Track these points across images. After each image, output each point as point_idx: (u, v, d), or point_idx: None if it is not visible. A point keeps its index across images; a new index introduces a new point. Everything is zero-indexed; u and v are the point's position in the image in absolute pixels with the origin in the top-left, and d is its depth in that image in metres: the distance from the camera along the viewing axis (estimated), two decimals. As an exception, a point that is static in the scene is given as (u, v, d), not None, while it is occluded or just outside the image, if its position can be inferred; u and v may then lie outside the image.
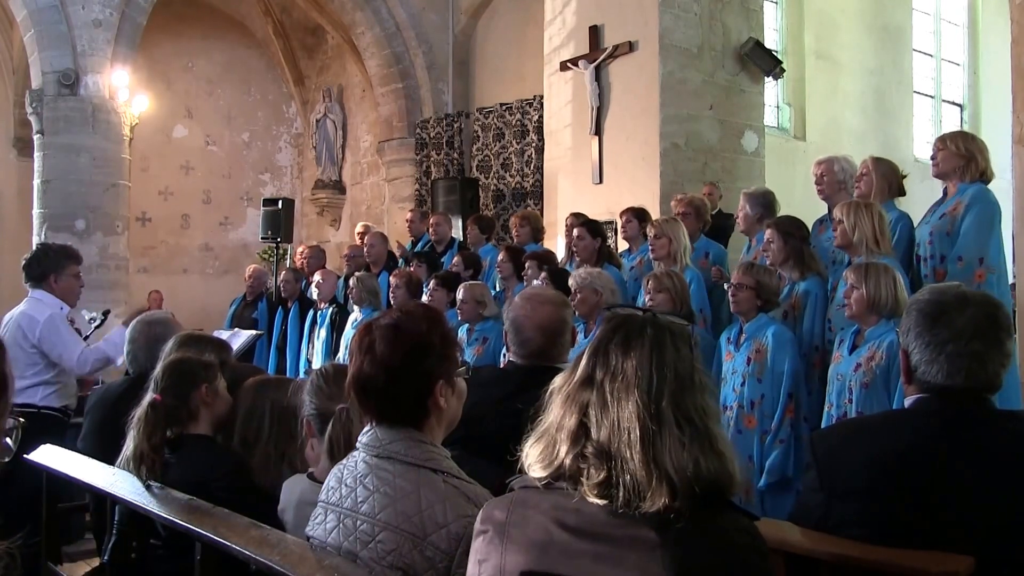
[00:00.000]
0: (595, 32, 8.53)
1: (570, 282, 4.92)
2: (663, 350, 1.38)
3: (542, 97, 9.88)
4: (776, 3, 11.54)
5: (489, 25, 12.28)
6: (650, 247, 5.44)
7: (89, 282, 5.78)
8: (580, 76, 8.63)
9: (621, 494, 1.30)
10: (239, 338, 6.31)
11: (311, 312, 7.46)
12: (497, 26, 12.13)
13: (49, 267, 4.70)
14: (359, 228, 9.01)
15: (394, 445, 1.81)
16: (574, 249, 5.94)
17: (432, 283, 6.18)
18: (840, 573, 1.78)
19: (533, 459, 1.41)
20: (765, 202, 5.37)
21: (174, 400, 2.73)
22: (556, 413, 1.41)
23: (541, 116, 10.13)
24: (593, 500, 1.33)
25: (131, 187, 10.62)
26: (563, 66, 8.86)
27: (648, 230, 5.55)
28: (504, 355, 5.05)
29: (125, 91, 10.16)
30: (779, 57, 9.13)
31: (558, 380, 1.46)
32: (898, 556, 1.71)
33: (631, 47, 8.23)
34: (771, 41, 10.61)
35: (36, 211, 9.96)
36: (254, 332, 6.96)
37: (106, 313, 5.62)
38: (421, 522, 1.71)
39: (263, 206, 10.10)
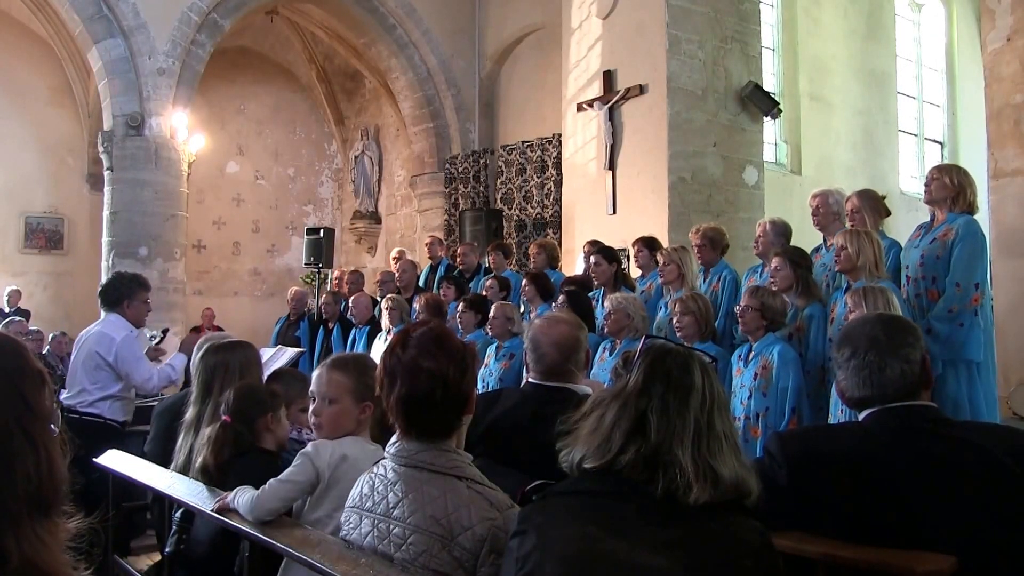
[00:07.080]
0: (608, 76, 8.58)
1: (605, 303, 5.01)
2: (709, 374, 1.53)
3: (560, 135, 9.92)
4: (773, 50, 11.53)
5: (512, 70, 12.36)
6: (659, 272, 5.46)
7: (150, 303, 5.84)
8: (597, 116, 8.67)
9: (662, 485, 1.41)
10: (284, 355, 6.33)
11: (352, 331, 7.49)
12: (519, 71, 12.21)
13: (123, 294, 4.75)
14: (394, 253, 9.06)
15: (420, 455, 1.81)
16: (592, 274, 5.94)
17: (460, 306, 6.19)
18: (835, 574, 1.76)
19: (587, 452, 1.49)
20: (784, 231, 5.34)
21: (242, 424, 2.73)
22: (611, 415, 1.50)
23: (559, 152, 10.15)
24: (637, 492, 1.42)
25: (188, 217, 10.76)
26: (579, 107, 8.91)
27: (658, 257, 5.57)
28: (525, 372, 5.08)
29: (184, 131, 10.31)
30: (776, 99, 9.11)
31: (605, 394, 1.56)
32: (890, 556, 1.70)
33: (641, 90, 8.26)
34: (769, 84, 10.58)
35: (105, 239, 10.10)
36: (298, 350, 6.99)
37: (165, 331, 5.65)
38: (448, 525, 1.71)
39: (306, 235, 10.17)
